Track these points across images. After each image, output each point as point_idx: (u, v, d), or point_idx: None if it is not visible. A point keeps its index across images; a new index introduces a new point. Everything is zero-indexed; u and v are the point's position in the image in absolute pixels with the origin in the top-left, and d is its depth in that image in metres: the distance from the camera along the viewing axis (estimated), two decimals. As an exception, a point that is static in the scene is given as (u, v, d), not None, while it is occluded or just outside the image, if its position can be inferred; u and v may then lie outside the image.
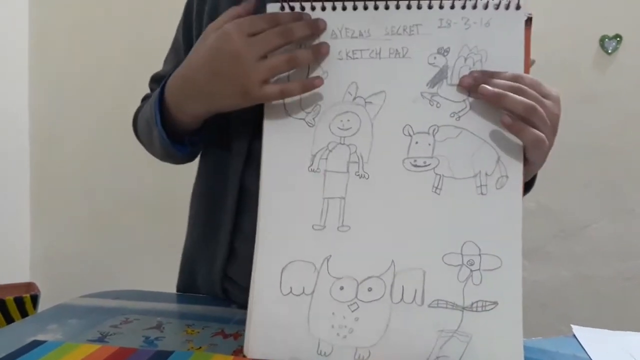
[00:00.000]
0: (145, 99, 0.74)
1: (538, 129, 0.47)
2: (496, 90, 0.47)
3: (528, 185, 0.60)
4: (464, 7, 0.50)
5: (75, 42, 1.88)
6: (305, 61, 0.50)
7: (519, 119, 0.47)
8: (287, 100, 0.52)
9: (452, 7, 0.50)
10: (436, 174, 0.49)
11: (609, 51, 1.57)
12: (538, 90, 0.48)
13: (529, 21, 0.50)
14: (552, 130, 0.49)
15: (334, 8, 0.52)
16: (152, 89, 0.75)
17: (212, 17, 0.64)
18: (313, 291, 0.49)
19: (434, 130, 0.50)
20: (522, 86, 0.48)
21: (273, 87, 0.50)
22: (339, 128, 0.51)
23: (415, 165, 0.49)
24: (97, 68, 1.85)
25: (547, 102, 0.48)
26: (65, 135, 1.90)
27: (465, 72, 0.50)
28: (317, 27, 0.51)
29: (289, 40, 0.50)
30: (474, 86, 0.49)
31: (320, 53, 0.51)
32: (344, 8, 0.52)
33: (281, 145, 0.51)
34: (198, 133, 0.62)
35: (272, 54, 0.50)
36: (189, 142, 0.63)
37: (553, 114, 0.48)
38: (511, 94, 0.47)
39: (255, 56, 0.49)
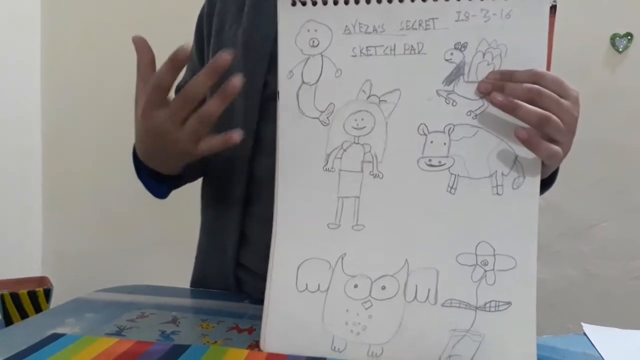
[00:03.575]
0: None
1: (552, 137, 0.47)
2: (508, 100, 0.46)
3: (549, 181, 0.59)
4: None
5: (86, 42, 1.89)
6: (214, 110, 0.48)
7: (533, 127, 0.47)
8: (301, 99, 0.51)
9: None
10: (451, 173, 0.49)
11: (620, 49, 1.57)
12: (559, 89, 0.47)
13: (552, 9, 0.48)
14: (569, 133, 0.48)
15: (346, 2, 0.50)
16: None
17: (222, 18, 0.66)
18: (328, 288, 0.49)
19: (449, 129, 0.49)
20: (541, 89, 0.47)
21: (203, 145, 0.51)
22: (353, 127, 0.50)
23: (430, 165, 0.49)
24: (108, 67, 1.86)
25: (565, 104, 0.47)
26: (76, 133, 1.92)
27: (483, 68, 0.48)
28: (217, 67, 0.46)
29: (194, 102, 0.48)
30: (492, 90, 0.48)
31: (227, 96, 0.47)
32: (357, 2, 0.50)
33: (296, 144, 0.51)
34: (178, 177, 0.64)
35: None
36: (169, 185, 0.65)
37: (571, 116, 0.47)
38: (524, 105, 0.46)
39: (174, 127, 0.49)
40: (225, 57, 0.46)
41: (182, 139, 0.50)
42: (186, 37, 0.76)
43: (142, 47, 0.50)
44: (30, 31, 1.91)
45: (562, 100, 0.47)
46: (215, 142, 0.51)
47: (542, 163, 0.49)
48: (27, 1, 1.89)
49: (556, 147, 0.47)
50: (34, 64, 1.93)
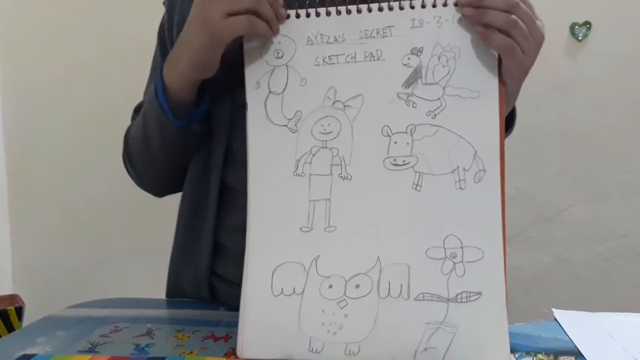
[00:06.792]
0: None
1: (519, 44, 0.49)
2: (475, 11, 0.49)
3: (508, 123, 0.60)
4: (434, 6, 0.51)
5: (46, 51, 1.84)
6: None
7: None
8: (269, 108, 0.53)
9: (423, 6, 0.51)
10: (416, 171, 0.50)
11: (579, 38, 1.61)
12: (531, 14, 0.50)
13: None
14: (535, 47, 0.50)
15: (307, 15, 0.53)
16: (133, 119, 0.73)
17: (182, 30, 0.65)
18: (303, 291, 0.50)
19: (411, 130, 0.51)
20: (518, 20, 0.49)
21: (239, 18, 0.50)
22: (321, 132, 0.52)
23: (395, 164, 0.51)
24: (70, 76, 1.81)
25: (537, 23, 0.50)
26: (40, 145, 1.86)
27: (439, 70, 0.51)
28: (279, 12, 0.52)
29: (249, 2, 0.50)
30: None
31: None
32: (317, 14, 0.53)
33: (266, 151, 0.53)
34: (194, 109, 0.61)
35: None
36: (185, 114, 0.61)
37: (540, 33, 0.50)
38: (491, 10, 0.48)
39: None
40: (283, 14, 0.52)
41: (214, 5, 0.50)
42: (149, 42, 0.75)
43: None
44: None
45: (536, 22, 0.50)
46: (257, 23, 0.51)
47: (505, 74, 0.50)
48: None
49: (510, 40, 0.49)
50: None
